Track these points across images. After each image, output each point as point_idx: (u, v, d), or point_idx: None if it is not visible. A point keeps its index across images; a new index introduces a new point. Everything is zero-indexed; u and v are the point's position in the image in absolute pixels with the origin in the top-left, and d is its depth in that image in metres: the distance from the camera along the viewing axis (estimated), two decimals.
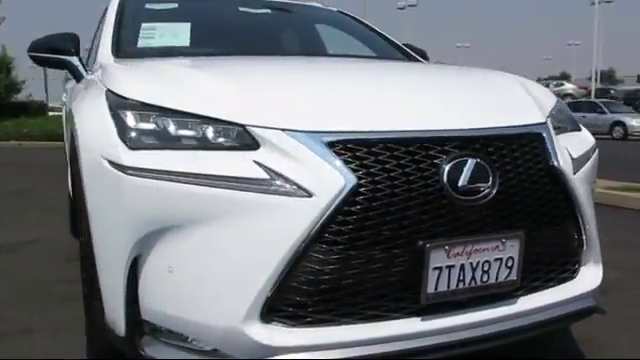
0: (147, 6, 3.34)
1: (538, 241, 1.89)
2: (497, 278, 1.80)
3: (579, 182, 2.00)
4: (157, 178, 1.68)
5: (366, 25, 3.74)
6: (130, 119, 1.78)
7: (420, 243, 1.68)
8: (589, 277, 2.08)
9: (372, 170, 1.67)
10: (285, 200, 1.62)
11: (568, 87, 41.12)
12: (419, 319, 1.74)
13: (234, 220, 1.63)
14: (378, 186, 1.66)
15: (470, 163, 1.74)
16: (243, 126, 1.72)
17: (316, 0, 4.13)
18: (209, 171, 1.66)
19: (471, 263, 1.75)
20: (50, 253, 4.20)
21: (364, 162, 1.67)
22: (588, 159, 2.18)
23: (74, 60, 2.84)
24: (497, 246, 1.78)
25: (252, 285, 1.61)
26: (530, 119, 2.01)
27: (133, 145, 1.73)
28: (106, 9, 3.48)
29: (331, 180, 1.62)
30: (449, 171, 1.72)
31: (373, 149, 1.69)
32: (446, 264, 1.71)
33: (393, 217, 1.66)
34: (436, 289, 1.71)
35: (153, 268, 1.71)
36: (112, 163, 1.74)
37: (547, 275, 1.97)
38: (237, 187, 1.64)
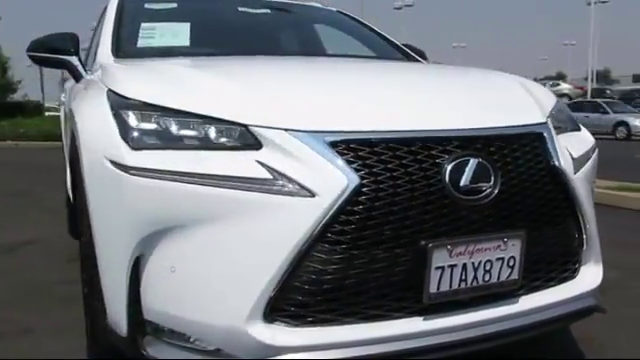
0: (146, 6, 3.33)
1: (539, 241, 1.90)
2: (499, 277, 1.80)
3: (579, 182, 2.01)
4: (160, 178, 1.67)
5: (365, 25, 3.74)
6: (132, 119, 1.78)
7: (422, 243, 1.68)
8: (589, 276, 2.08)
9: (374, 170, 1.67)
10: (288, 200, 1.62)
11: (564, 87, 41.18)
12: (421, 319, 1.74)
13: (237, 220, 1.63)
14: (380, 186, 1.66)
15: (472, 163, 1.75)
16: (246, 126, 1.72)
17: (315, 0, 4.13)
18: (212, 171, 1.66)
19: (473, 263, 1.75)
20: (49, 253, 4.20)
21: (366, 162, 1.67)
22: (588, 159, 2.19)
23: (73, 60, 2.83)
24: (499, 246, 1.78)
25: (255, 285, 1.61)
26: (531, 119, 2.02)
27: (135, 145, 1.73)
28: (105, 9, 3.48)
29: (334, 180, 1.62)
30: (451, 171, 1.73)
31: (375, 149, 1.69)
32: (448, 264, 1.72)
33: (395, 217, 1.67)
34: (438, 289, 1.72)
35: (155, 268, 1.71)
36: (114, 163, 1.74)
37: (548, 274, 1.98)
38: (240, 187, 1.64)
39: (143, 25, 3.01)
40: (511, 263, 1.81)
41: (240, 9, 3.48)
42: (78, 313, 2.67)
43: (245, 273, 1.63)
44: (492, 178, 1.77)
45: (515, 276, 1.83)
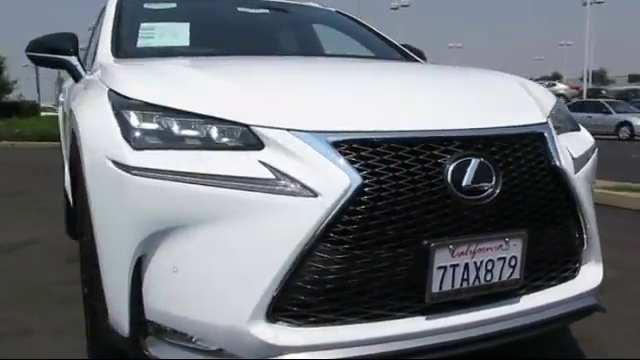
0: (145, 6, 3.33)
1: (540, 240, 1.90)
2: (500, 277, 1.81)
3: (580, 182, 2.01)
4: (162, 178, 1.67)
5: (364, 25, 3.75)
6: (134, 119, 1.78)
7: (425, 242, 1.69)
8: (590, 276, 2.09)
9: (377, 170, 1.67)
10: (291, 200, 1.62)
11: (560, 87, 41.22)
12: (424, 318, 1.75)
13: (239, 220, 1.63)
14: (383, 186, 1.66)
15: (474, 163, 1.75)
16: (247, 126, 1.72)
17: (314, 0, 4.13)
18: (214, 171, 1.66)
19: (475, 262, 1.76)
20: (48, 254, 4.20)
21: (369, 162, 1.68)
22: (588, 159, 2.19)
23: (73, 60, 2.84)
24: (501, 245, 1.79)
25: (258, 285, 1.61)
26: (532, 119, 2.02)
27: (137, 145, 1.73)
28: (103, 9, 3.48)
29: (336, 180, 1.62)
30: (453, 171, 1.73)
31: (378, 149, 1.70)
32: (450, 263, 1.72)
33: (398, 217, 1.67)
34: (440, 288, 1.72)
35: (158, 268, 1.71)
36: (116, 163, 1.74)
37: (549, 274, 1.99)
38: (243, 187, 1.64)
39: (142, 25, 3.01)
40: (513, 263, 1.81)
41: (239, 9, 3.48)
42: (77, 313, 2.67)
43: (248, 273, 1.63)
44: (494, 178, 1.78)
45: (517, 276, 1.83)
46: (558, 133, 2.08)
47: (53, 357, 2.54)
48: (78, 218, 2.31)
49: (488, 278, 1.79)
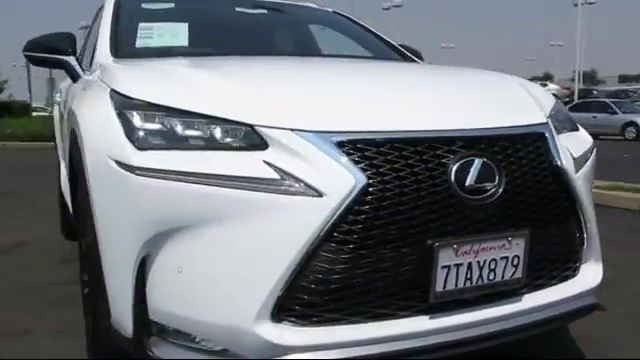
0: (143, 6, 3.33)
1: (542, 239, 1.92)
2: (503, 276, 1.82)
3: (581, 181, 2.03)
4: (166, 178, 1.67)
5: (361, 25, 3.75)
6: (137, 119, 1.78)
7: (429, 242, 1.69)
8: (590, 275, 2.10)
9: (381, 170, 1.68)
10: (296, 200, 1.62)
11: (552, 88, 41.36)
12: (427, 317, 1.75)
13: (244, 220, 1.63)
14: (387, 185, 1.67)
15: (477, 163, 1.76)
16: (251, 126, 1.72)
17: (310, 0, 4.13)
18: (219, 171, 1.66)
19: (478, 261, 1.77)
20: (43, 254, 4.18)
21: (373, 162, 1.68)
22: (587, 159, 2.21)
23: (71, 60, 2.83)
24: (503, 245, 1.80)
25: (263, 285, 1.61)
26: (533, 119, 2.04)
27: (141, 145, 1.73)
28: (100, 9, 3.47)
29: (341, 180, 1.63)
30: (457, 171, 1.74)
31: (382, 149, 1.70)
32: (454, 263, 1.73)
33: (402, 216, 1.68)
34: (444, 287, 1.73)
35: (162, 268, 1.71)
36: (120, 163, 1.73)
37: (550, 273, 2.00)
38: (247, 187, 1.64)
39: (141, 25, 3.00)
40: (515, 262, 1.83)
41: (237, 9, 3.47)
42: (74, 314, 2.67)
43: (253, 273, 1.63)
44: (496, 178, 1.79)
45: (519, 275, 1.84)
46: (557, 133, 2.10)
47: (52, 357, 2.53)
48: (78, 218, 2.30)
49: (491, 277, 1.80)
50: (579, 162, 2.10)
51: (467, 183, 1.74)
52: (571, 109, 22.87)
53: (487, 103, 2.09)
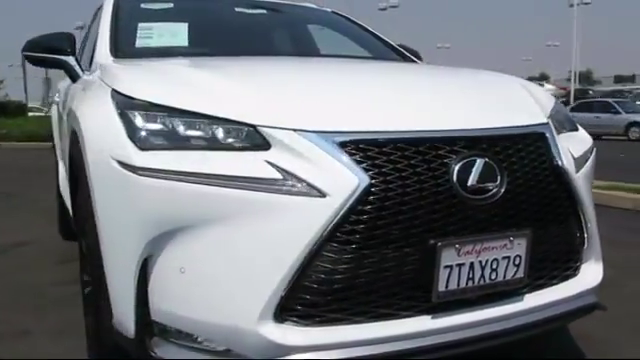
0: (143, 6, 3.32)
1: (543, 239, 1.92)
2: (505, 276, 1.82)
3: (581, 181, 2.04)
4: (169, 179, 1.67)
5: (360, 26, 3.75)
6: (139, 119, 1.77)
7: (432, 242, 1.70)
8: (590, 274, 2.11)
9: (384, 170, 1.68)
10: (299, 200, 1.62)
11: (548, 88, 41.41)
12: (430, 317, 1.76)
13: (247, 220, 1.63)
14: (390, 186, 1.67)
15: (479, 163, 1.77)
16: (254, 126, 1.72)
17: (309, 0, 4.13)
18: (221, 171, 1.66)
19: (480, 261, 1.77)
20: (41, 255, 4.18)
21: (376, 162, 1.68)
22: (587, 159, 2.22)
23: (70, 60, 2.82)
24: (505, 244, 1.80)
25: (266, 285, 1.61)
26: (533, 119, 2.04)
27: (143, 145, 1.73)
28: (99, 8, 3.47)
29: (344, 180, 1.63)
30: (459, 171, 1.74)
31: (384, 149, 1.70)
32: (456, 262, 1.73)
33: (405, 216, 1.68)
34: (447, 287, 1.73)
35: (164, 269, 1.71)
36: (122, 164, 1.73)
37: (551, 272, 2.00)
38: (250, 187, 1.64)
39: (140, 25, 3.00)
40: (517, 262, 1.83)
41: (237, 9, 3.47)
42: (73, 314, 2.67)
43: (256, 273, 1.63)
44: (498, 178, 1.79)
45: (521, 274, 1.85)
46: (558, 133, 2.10)
47: (53, 357, 2.53)
48: (79, 218, 2.30)
49: (493, 277, 1.80)
50: (579, 162, 2.10)
51: (469, 183, 1.74)
52: (573, 109, 22.64)
53: (488, 103, 2.09)
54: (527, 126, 1.99)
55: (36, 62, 2.87)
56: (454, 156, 1.76)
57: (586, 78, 70.83)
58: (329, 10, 3.90)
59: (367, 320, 1.70)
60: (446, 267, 1.72)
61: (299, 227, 1.61)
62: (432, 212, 1.71)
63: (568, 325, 2.64)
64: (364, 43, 3.55)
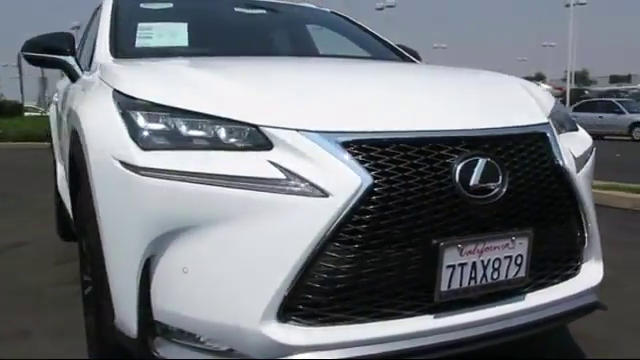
0: (142, 6, 3.32)
1: (545, 239, 1.93)
2: (507, 275, 1.83)
3: (582, 181, 2.04)
4: (171, 179, 1.67)
5: (359, 26, 3.76)
6: (141, 120, 1.77)
7: (434, 242, 1.70)
8: (591, 274, 2.12)
9: (387, 170, 1.68)
10: (302, 200, 1.62)
11: (544, 88, 41.38)
12: (432, 317, 1.76)
13: (250, 220, 1.63)
14: (393, 185, 1.67)
15: (481, 163, 1.77)
16: (256, 126, 1.72)
17: (307, 0, 4.14)
18: (224, 171, 1.66)
19: (482, 261, 1.77)
20: (39, 255, 4.18)
21: (378, 162, 1.68)
22: (587, 159, 2.23)
23: (70, 60, 2.82)
24: (507, 244, 1.80)
25: (269, 285, 1.61)
26: (534, 119, 2.05)
27: (145, 146, 1.72)
28: (97, 9, 3.47)
29: (347, 180, 1.63)
30: (461, 170, 1.74)
31: (387, 149, 1.71)
32: (459, 262, 1.73)
33: (408, 216, 1.68)
34: (449, 287, 1.74)
35: (167, 269, 1.70)
36: (124, 164, 1.73)
37: (552, 272, 2.01)
38: (253, 187, 1.64)
39: (140, 25, 2.99)
40: (519, 261, 1.83)
41: (236, 9, 3.47)
42: (73, 314, 2.67)
43: (259, 273, 1.63)
44: (500, 178, 1.79)
45: (522, 274, 1.85)
46: (558, 133, 2.11)
47: (53, 357, 2.52)
48: (79, 218, 2.29)
49: (495, 276, 1.80)
50: (580, 162, 2.11)
51: (471, 183, 1.74)
52: (576, 108, 22.49)
53: (489, 103, 2.10)
54: (528, 126, 2.00)
55: (35, 62, 2.87)
56: (456, 156, 1.76)
57: (582, 78, 71.02)
58: (328, 10, 3.90)
59: (370, 320, 1.70)
60: (448, 267, 1.72)
61: (302, 227, 1.61)
62: (434, 212, 1.71)
63: (568, 325, 2.64)
64: (363, 43, 3.55)
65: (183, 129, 1.75)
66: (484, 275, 1.78)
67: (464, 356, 1.83)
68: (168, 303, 1.72)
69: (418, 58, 3.58)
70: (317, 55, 3.51)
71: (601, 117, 21.52)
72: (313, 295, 1.65)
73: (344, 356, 1.67)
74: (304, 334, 1.65)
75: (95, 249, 1.89)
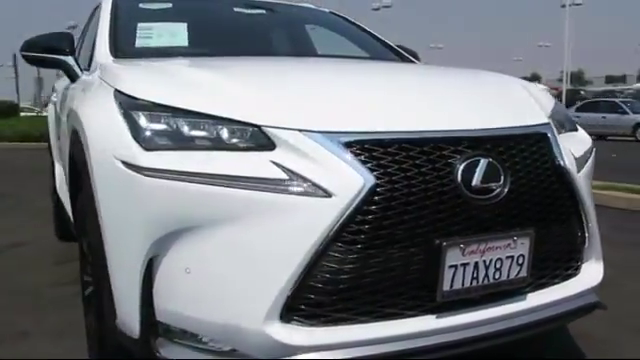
0: (141, 5, 3.31)
1: (546, 239, 1.93)
2: (508, 275, 1.83)
3: (582, 181, 2.05)
4: (174, 179, 1.67)
5: (358, 26, 3.76)
6: (143, 120, 1.77)
7: (437, 242, 1.70)
8: (591, 274, 2.12)
9: (389, 170, 1.68)
10: (304, 200, 1.62)
11: (541, 88, 41.50)
12: (434, 316, 1.76)
13: (253, 220, 1.63)
14: (395, 186, 1.67)
15: (483, 163, 1.77)
16: (259, 127, 1.72)
17: (306, 0, 4.14)
18: (227, 172, 1.66)
19: (484, 261, 1.78)
20: (38, 255, 4.17)
21: (381, 162, 1.69)
22: (587, 159, 2.23)
23: (69, 60, 2.82)
24: (509, 244, 1.81)
25: (272, 285, 1.61)
26: (535, 119, 2.05)
27: (148, 146, 1.72)
28: (96, 9, 3.47)
29: (350, 180, 1.63)
30: (463, 171, 1.75)
31: (389, 149, 1.71)
32: (461, 262, 1.74)
33: (410, 216, 1.68)
34: (451, 287, 1.74)
35: (170, 269, 1.70)
36: (126, 164, 1.72)
37: (553, 272, 2.02)
38: (255, 187, 1.64)
39: (140, 25, 2.99)
40: (520, 261, 1.84)
41: (236, 9, 3.47)
42: (72, 315, 2.67)
43: (262, 273, 1.63)
44: (502, 178, 1.80)
45: (524, 274, 1.86)
46: (558, 133, 2.11)
47: (54, 357, 2.52)
48: (80, 218, 2.29)
49: (497, 276, 1.81)
50: (580, 162, 2.12)
51: (473, 183, 1.75)
52: (579, 109, 22.20)
53: (490, 104, 2.10)
54: (529, 126, 2.00)
55: (34, 62, 2.87)
56: (458, 156, 1.77)
57: (577, 78, 71.26)
58: (327, 10, 3.91)
59: (372, 320, 1.70)
60: (451, 267, 1.72)
61: (305, 227, 1.61)
62: (437, 212, 1.71)
63: (568, 324, 2.65)
64: (362, 43, 3.56)
65: (185, 129, 1.75)
66: (486, 275, 1.79)
67: (465, 356, 1.83)
68: (171, 303, 1.72)
69: (417, 58, 3.59)
70: (316, 55, 3.51)
71: (604, 117, 21.25)
72: (316, 295, 1.65)
73: (347, 356, 1.67)
74: (307, 334, 1.65)
75: (97, 249, 1.89)
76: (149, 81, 2.02)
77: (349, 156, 1.67)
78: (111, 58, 2.59)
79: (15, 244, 4.48)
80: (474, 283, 1.77)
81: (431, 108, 1.94)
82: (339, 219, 1.61)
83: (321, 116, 1.76)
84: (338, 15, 3.87)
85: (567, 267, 2.07)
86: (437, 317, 1.77)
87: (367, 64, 3.02)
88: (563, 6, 45.27)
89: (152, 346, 1.76)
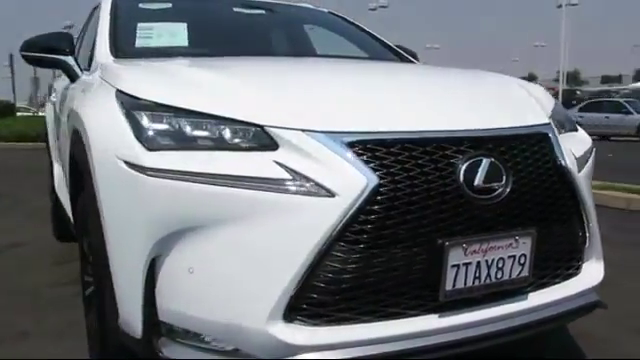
0: (141, 5, 3.31)
1: (547, 238, 1.94)
2: (510, 275, 1.84)
3: (583, 180, 2.06)
4: (177, 179, 1.67)
5: (358, 26, 3.76)
6: (145, 120, 1.77)
7: (439, 241, 1.70)
8: (592, 273, 2.13)
9: (392, 170, 1.69)
10: (308, 200, 1.62)
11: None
12: (437, 316, 1.77)
13: (256, 220, 1.63)
14: (398, 185, 1.68)
15: (485, 163, 1.78)
16: (262, 127, 1.72)
17: (305, 0, 4.14)
18: (230, 171, 1.66)
19: (487, 260, 1.78)
20: (36, 256, 4.16)
21: (384, 162, 1.69)
22: (587, 159, 2.24)
23: (69, 60, 2.82)
24: (511, 244, 1.81)
25: (276, 284, 1.61)
26: (536, 119, 2.06)
27: (150, 146, 1.72)
28: (95, 8, 3.46)
29: (353, 180, 1.63)
30: (465, 170, 1.75)
31: (392, 149, 1.71)
32: (463, 262, 1.74)
33: (413, 216, 1.69)
34: (454, 286, 1.74)
35: (173, 269, 1.70)
36: (129, 164, 1.73)
37: (554, 271, 2.02)
38: (259, 187, 1.64)
39: (140, 25, 2.99)
40: (522, 261, 1.84)
41: (235, 9, 3.47)
42: (72, 315, 2.67)
43: (265, 273, 1.63)
44: (504, 178, 1.80)
45: (525, 273, 1.86)
46: (558, 133, 2.12)
47: (54, 357, 2.52)
48: (81, 218, 2.29)
49: (499, 276, 1.81)
50: (580, 162, 2.12)
51: (475, 183, 1.75)
52: (582, 109, 21.99)
53: (492, 104, 2.11)
54: (531, 126, 2.01)
55: (34, 62, 2.87)
56: (460, 156, 1.77)
57: (574, 78, 71.35)
58: (326, 10, 3.91)
59: (375, 319, 1.71)
60: (453, 266, 1.73)
61: (308, 227, 1.61)
62: (439, 212, 1.72)
63: (568, 324, 2.66)
64: (362, 44, 3.56)
65: (188, 129, 1.75)
66: (488, 274, 1.79)
67: (466, 356, 1.83)
68: (173, 303, 1.72)
69: (416, 58, 3.59)
70: (315, 55, 3.51)
71: (607, 117, 21.06)
72: (319, 295, 1.65)
73: (349, 356, 1.68)
74: (310, 334, 1.65)
75: (98, 249, 1.89)
76: (151, 81, 2.02)
77: (352, 156, 1.67)
78: (111, 58, 2.58)
79: (14, 244, 4.47)
80: (476, 283, 1.78)
81: (433, 108, 1.94)
82: (342, 219, 1.61)
83: (324, 116, 1.76)
84: (337, 15, 3.87)
85: (568, 266, 2.07)
86: (439, 316, 1.77)
87: (367, 64, 3.02)
88: (559, 6, 45.33)
89: (155, 346, 1.76)
